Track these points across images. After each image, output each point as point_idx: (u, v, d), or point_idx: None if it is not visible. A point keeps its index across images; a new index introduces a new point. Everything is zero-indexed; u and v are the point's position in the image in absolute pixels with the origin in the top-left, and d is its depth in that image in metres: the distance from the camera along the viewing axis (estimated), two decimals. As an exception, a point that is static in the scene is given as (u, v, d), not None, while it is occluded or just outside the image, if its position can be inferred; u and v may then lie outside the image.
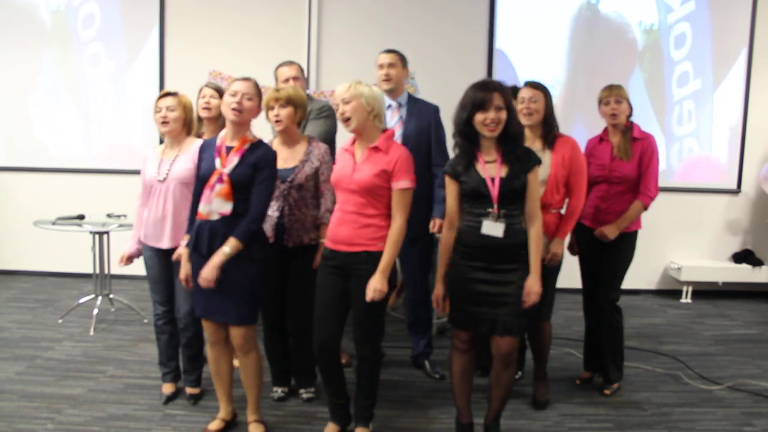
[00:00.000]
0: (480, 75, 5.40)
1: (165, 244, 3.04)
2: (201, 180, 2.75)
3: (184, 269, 2.78)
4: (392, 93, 3.51)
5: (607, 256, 3.35)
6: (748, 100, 5.52)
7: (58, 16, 5.37)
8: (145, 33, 5.38)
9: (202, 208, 2.69)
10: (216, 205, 2.66)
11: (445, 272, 2.73)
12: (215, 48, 5.32)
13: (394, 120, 3.51)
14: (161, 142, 3.26)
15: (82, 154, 5.50)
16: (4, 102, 5.46)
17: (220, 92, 3.46)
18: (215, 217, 2.67)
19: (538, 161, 2.64)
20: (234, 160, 2.68)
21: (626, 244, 3.34)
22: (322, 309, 2.77)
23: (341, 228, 2.69)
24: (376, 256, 2.64)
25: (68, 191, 5.43)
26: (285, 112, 2.97)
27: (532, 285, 2.60)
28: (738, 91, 5.51)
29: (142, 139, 5.44)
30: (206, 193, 2.68)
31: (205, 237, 2.68)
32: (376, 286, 2.61)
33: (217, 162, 2.70)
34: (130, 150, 5.47)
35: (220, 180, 2.66)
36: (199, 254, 2.70)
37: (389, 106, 3.50)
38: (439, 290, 2.75)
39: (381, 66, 3.51)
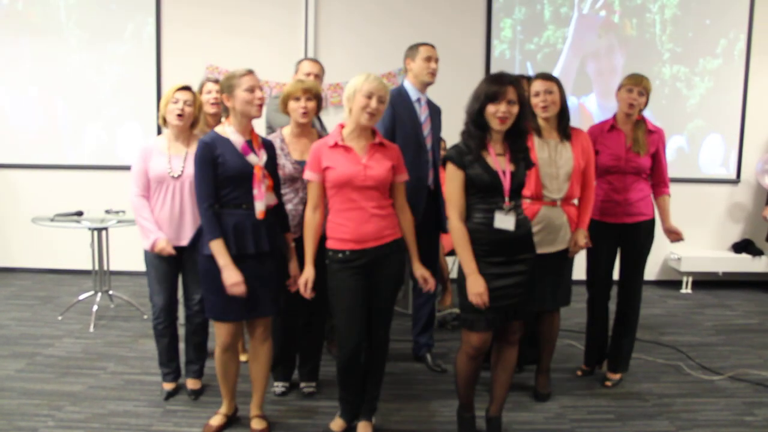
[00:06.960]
0: (479, 58, 5.45)
1: (185, 241, 3.01)
2: (231, 178, 2.63)
3: (234, 276, 2.59)
4: (424, 88, 3.47)
5: (631, 245, 3.38)
6: (746, 90, 5.50)
7: (51, 7, 5.33)
8: (142, 24, 5.35)
9: (261, 206, 2.66)
10: (268, 199, 2.71)
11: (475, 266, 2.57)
12: (212, 38, 5.31)
13: (423, 115, 3.45)
14: (158, 134, 3.21)
15: (78, 149, 5.48)
16: None
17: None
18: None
19: (532, 164, 2.71)
20: (263, 154, 2.72)
21: (650, 231, 3.40)
22: (350, 314, 2.68)
23: (367, 225, 2.65)
24: (401, 243, 2.77)
25: (66, 187, 5.41)
26: (312, 105, 3.02)
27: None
28: (737, 81, 5.49)
29: (139, 134, 5.42)
30: (259, 189, 2.65)
31: (249, 235, 2.65)
32: (424, 273, 2.80)
33: (254, 158, 2.67)
34: (127, 145, 5.45)
35: (266, 175, 2.69)
36: (243, 254, 2.64)
37: (418, 99, 3.44)
38: (480, 284, 2.53)
39: (429, 59, 3.39)
